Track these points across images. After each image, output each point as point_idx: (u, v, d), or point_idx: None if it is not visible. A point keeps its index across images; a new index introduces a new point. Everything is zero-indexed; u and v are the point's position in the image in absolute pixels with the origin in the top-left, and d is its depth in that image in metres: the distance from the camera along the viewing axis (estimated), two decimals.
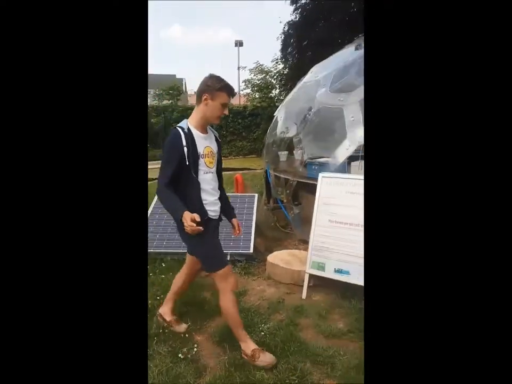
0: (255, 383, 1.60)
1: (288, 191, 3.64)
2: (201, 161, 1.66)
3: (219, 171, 1.82)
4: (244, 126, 12.02)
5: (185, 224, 1.50)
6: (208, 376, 1.66)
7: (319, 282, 2.50)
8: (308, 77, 4.27)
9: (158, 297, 2.34)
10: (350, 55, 3.99)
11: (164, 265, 2.91)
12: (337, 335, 1.95)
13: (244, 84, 12.45)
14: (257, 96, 12.06)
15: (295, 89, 4.46)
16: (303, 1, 10.36)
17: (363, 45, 3.91)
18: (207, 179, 1.70)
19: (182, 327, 2.01)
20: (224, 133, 11.63)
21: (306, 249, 2.66)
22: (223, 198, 1.84)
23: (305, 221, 3.11)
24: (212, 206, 1.73)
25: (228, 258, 2.87)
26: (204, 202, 1.68)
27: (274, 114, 4.35)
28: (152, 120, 11.17)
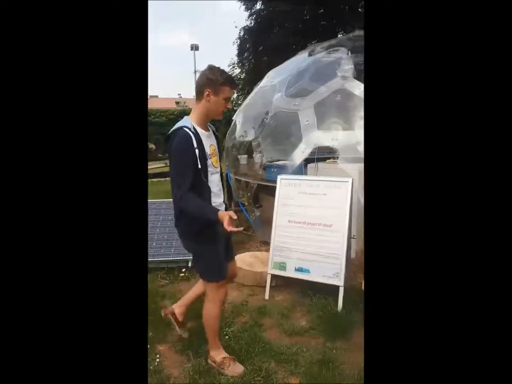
0: None
1: (249, 194, 3.68)
2: (208, 162, 1.55)
3: (220, 169, 1.71)
4: None
5: (225, 225, 1.40)
6: None
7: (281, 282, 2.54)
8: (264, 82, 4.35)
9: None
10: (304, 61, 4.13)
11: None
12: (300, 332, 2.00)
13: None
14: None
15: (252, 94, 4.52)
16: (257, 8, 10.56)
17: (317, 50, 4.09)
18: (214, 181, 1.61)
19: (186, 334, 1.93)
20: None
21: (268, 250, 2.71)
22: None
23: (266, 222, 3.17)
24: (219, 208, 1.61)
25: (189, 265, 2.82)
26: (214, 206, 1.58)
27: (233, 118, 4.38)
28: None
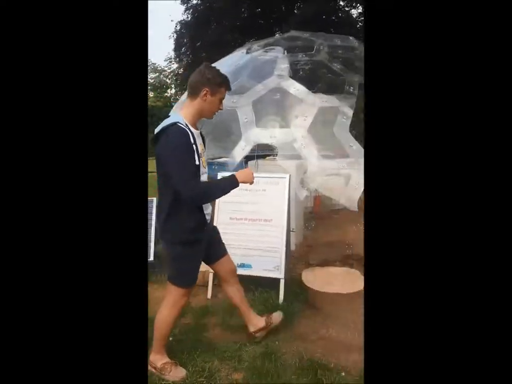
0: None
1: None
2: (199, 161, 1.48)
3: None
4: None
5: (249, 179, 1.54)
6: None
7: None
8: None
9: None
10: (242, 58, 4.14)
11: None
12: (243, 328, 2.01)
13: None
14: (151, 95, 11.51)
15: None
16: (194, 2, 10.33)
17: (254, 48, 4.13)
18: (203, 181, 1.54)
19: (278, 317, 1.90)
20: None
21: None
22: None
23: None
24: (206, 210, 1.59)
25: None
26: (203, 207, 1.54)
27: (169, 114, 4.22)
28: None
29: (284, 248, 2.36)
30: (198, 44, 10.24)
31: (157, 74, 11.59)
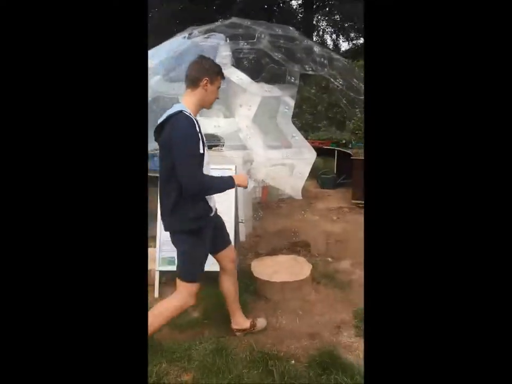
0: None
1: None
2: (204, 150, 1.50)
3: None
4: None
5: (243, 183, 1.60)
6: None
7: (172, 277, 2.43)
8: None
9: None
10: (183, 44, 3.95)
11: None
12: (192, 326, 1.95)
13: None
14: None
15: None
16: None
17: (195, 34, 3.96)
18: (206, 174, 1.54)
19: (263, 323, 1.92)
20: None
21: (155, 246, 2.54)
22: None
23: (152, 216, 2.96)
24: (210, 199, 1.60)
25: None
26: (207, 197, 1.57)
27: None
28: None
29: (233, 240, 2.33)
30: None
31: None
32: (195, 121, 1.47)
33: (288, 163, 2.84)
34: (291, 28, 3.59)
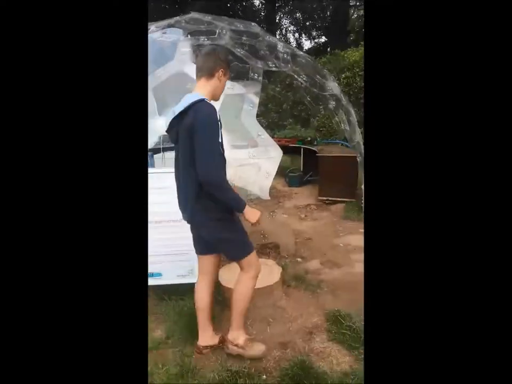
0: None
1: None
2: (221, 139, 1.50)
3: None
4: None
5: (252, 218, 1.49)
6: None
7: None
8: None
9: None
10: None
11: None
12: (155, 346, 1.79)
13: None
14: None
15: None
16: None
17: (152, 29, 3.74)
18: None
19: (258, 349, 1.69)
20: None
21: None
22: None
23: None
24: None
25: None
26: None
27: None
28: None
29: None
30: None
31: None
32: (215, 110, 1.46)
33: (254, 163, 2.74)
34: (253, 24, 3.49)
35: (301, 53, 3.55)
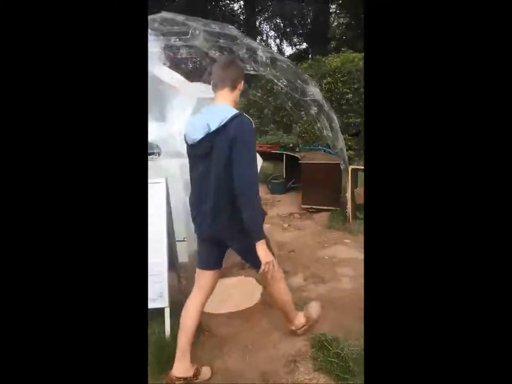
0: None
1: None
2: None
3: None
4: None
5: (264, 257, 1.44)
6: None
7: None
8: None
9: None
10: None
11: None
12: None
13: None
14: None
15: None
16: None
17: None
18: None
19: (206, 373, 1.63)
20: None
21: None
22: None
23: None
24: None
25: None
26: None
27: None
28: None
29: (167, 270, 1.97)
30: None
31: None
32: None
33: None
34: (230, 26, 3.33)
35: (282, 57, 3.42)
